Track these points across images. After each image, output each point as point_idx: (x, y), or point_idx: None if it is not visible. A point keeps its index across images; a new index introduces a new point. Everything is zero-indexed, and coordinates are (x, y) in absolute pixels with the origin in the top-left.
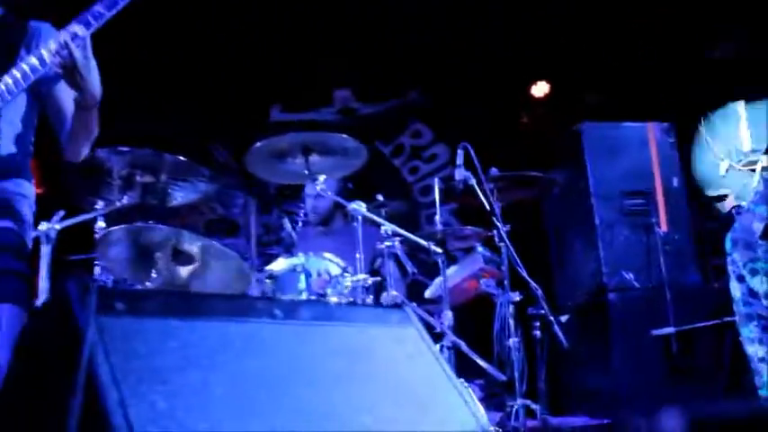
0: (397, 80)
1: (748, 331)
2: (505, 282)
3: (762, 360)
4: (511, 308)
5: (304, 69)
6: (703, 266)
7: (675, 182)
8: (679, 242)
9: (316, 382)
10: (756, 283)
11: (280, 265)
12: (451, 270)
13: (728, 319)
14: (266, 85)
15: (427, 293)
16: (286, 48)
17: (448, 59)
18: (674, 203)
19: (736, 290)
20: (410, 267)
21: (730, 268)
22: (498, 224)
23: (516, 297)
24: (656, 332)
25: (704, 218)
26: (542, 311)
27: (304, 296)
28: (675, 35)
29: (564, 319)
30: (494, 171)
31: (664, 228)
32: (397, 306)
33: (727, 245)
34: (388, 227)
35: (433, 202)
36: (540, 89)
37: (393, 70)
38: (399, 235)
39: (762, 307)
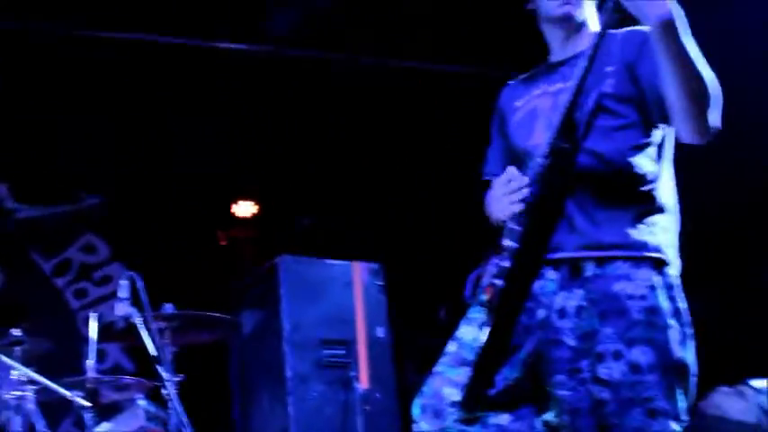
0: (70, 180)
1: None
2: None
3: None
4: None
5: None
6: (407, 430)
7: (380, 332)
8: (381, 401)
9: None
10: None
11: None
12: (104, 428)
13: None
14: None
15: None
16: None
17: (135, 162)
18: (377, 356)
19: None
20: (41, 426)
21: None
22: (164, 373)
23: None
24: None
25: (412, 373)
26: None
27: None
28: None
29: None
30: (167, 308)
31: (364, 384)
32: None
33: (415, 411)
34: (20, 371)
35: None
36: (245, 209)
37: (66, 167)
38: (36, 382)
39: None
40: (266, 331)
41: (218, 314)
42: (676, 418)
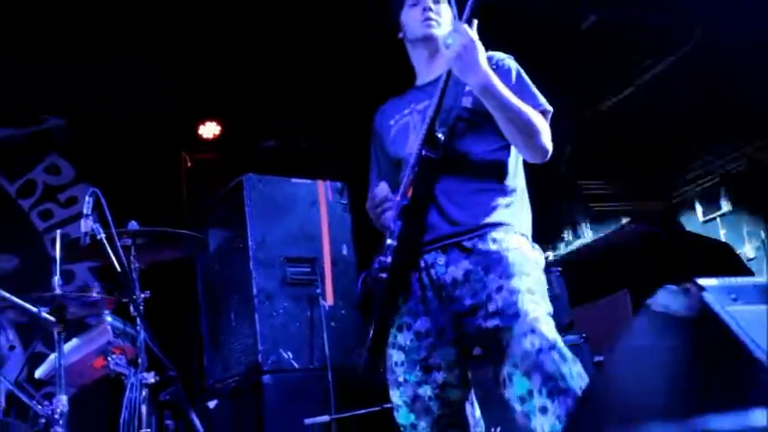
0: (33, 102)
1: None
2: (140, 359)
3: None
4: (145, 391)
5: None
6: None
7: (345, 249)
8: (346, 318)
9: None
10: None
11: None
12: (72, 343)
13: (388, 405)
14: None
15: (38, 373)
16: None
17: (99, 83)
18: (342, 273)
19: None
20: (4, 338)
21: None
22: (132, 289)
23: (151, 379)
24: (309, 421)
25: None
26: (177, 397)
27: None
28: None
29: (212, 404)
30: (133, 225)
31: (329, 301)
32: None
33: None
34: None
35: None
36: (210, 130)
37: (29, 89)
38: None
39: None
40: (232, 249)
41: (184, 230)
42: (550, 323)
